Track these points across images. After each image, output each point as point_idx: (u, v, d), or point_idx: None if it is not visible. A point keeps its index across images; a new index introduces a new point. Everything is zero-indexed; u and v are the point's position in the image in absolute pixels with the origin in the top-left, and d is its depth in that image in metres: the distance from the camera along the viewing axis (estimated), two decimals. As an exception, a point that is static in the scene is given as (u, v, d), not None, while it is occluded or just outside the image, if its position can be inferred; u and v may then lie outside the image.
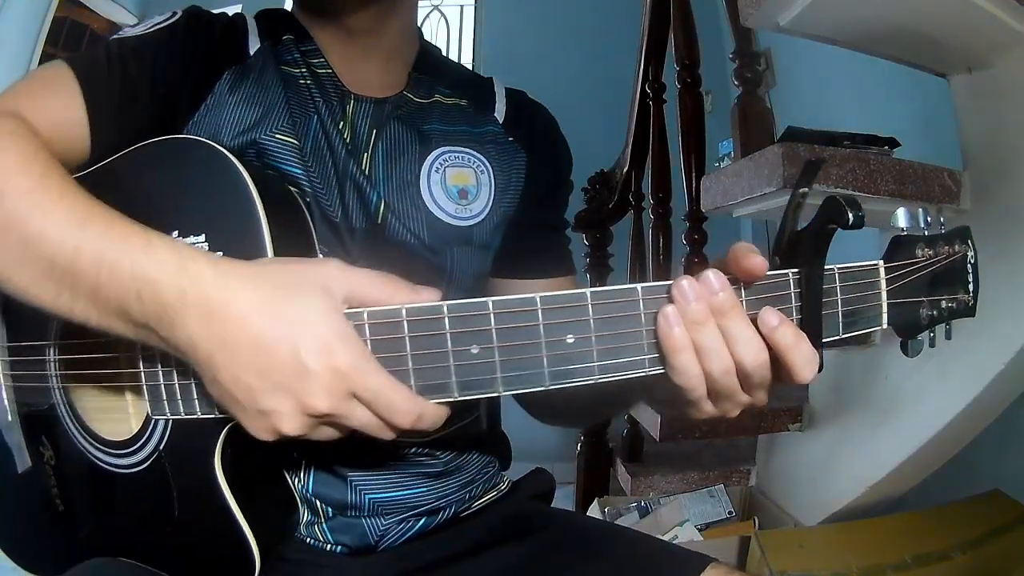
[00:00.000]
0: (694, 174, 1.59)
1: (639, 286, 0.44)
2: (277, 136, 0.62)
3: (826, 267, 0.46)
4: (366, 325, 0.44)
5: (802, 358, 0.44)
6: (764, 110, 1.57)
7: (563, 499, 2.13)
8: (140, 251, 0.43)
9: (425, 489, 0.68)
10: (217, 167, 0.51)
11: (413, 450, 0.68)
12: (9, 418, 0.64)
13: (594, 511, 1.63)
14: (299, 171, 0.62)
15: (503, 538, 0.69)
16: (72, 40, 3.06)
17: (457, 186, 0.68)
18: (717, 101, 2.67)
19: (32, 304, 0.47)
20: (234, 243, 0.49)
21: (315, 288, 0.43)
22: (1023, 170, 1.07)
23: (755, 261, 0.43)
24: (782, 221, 0.47)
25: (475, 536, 0.69)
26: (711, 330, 0.43)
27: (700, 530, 1.47)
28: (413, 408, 0.43)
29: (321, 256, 0.57)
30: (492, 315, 0.43)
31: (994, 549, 1.13)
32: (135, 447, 0.56)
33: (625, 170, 2.00)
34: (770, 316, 0.44)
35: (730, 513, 1.56)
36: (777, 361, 0.44)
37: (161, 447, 0.54)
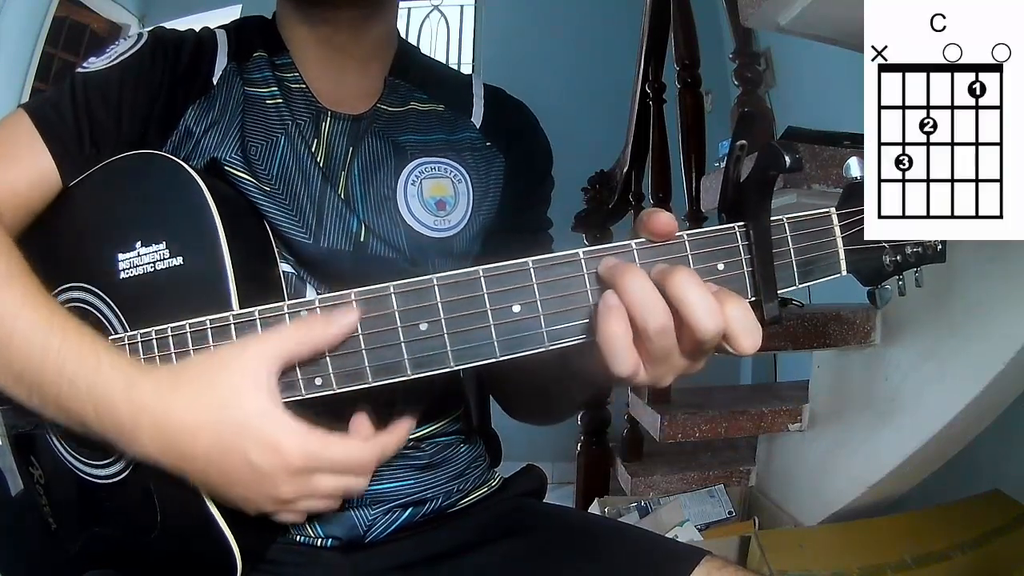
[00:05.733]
0: (694, 174, 1.58)
1: (580, 251, 0.45)
2: (226, 168, 0.62)
3: (775, 218, 0.45)
4: (318, 311, 0.46)
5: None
6: (764, 110, 1.57)
7: (563, 499, 2.14)
8: (93, 371, 0.47)
9: (412, 481, 0.68)
10: (176, 179, 0.53)
11: None
12: (0, 442, 0.64)
13: (594, 511, 1.63)
14: (258, 198, 0.62)
15: (494, 535, 0.68)
16: (72, 40, 3.06)
17: (435, 197, 0.68)
18: (717, 101, 2.67)
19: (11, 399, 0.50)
20: (192, 250, 0.52)
21: (246, 384, 0.45)
22: (1023, 170, 1.07)
23: (660, 219, 0.43)
24: (724, 177, 0.46)
25: (466, 532, 0.69)
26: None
27: (700, 530, 1.47)
28: (372, 450, 0.47)
29: (282, 267, 0.61)
30: (437, 289, 0.44)
31: (994, 549, 1.13)
32: (115, 456, 0.55)
33: (625, 170, 2.00)
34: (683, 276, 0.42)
35: (730, 513, 1.56)
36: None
37: None
